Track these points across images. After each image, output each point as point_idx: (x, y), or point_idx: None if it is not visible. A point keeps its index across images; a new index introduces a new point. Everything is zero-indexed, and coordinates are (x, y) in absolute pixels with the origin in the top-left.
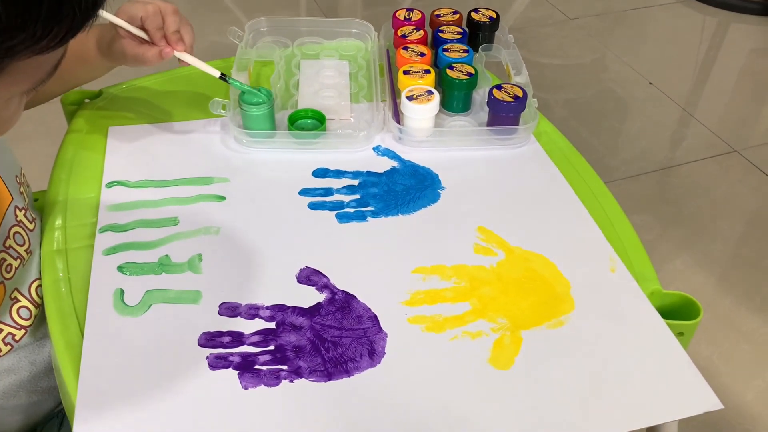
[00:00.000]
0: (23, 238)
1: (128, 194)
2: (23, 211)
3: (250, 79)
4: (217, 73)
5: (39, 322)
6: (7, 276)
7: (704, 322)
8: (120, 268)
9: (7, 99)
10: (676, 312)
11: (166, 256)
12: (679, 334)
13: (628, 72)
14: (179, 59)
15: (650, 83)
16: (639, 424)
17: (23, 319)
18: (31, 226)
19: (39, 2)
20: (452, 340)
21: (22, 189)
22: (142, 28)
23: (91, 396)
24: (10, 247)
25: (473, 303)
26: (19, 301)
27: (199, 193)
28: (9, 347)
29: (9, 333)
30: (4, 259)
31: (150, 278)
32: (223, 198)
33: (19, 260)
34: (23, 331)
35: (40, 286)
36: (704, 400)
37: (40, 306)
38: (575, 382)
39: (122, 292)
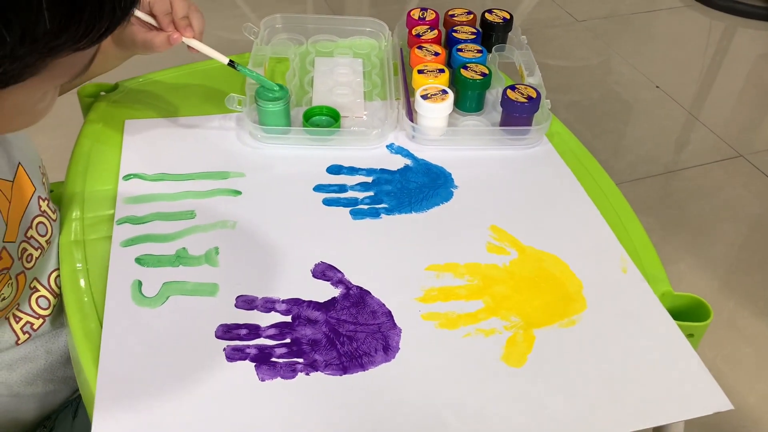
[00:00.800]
0: (46, 228)
1: (145, 187)
2: (46, 201)
3: (266, 76)
4: (225, 60)
5: (57, 311)
6: (28, 266)
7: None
8: (138, 260)
9: (45, 92)
10: (686, 313)
11: (184, 248)
12: (689, 336)
13: (634, 75)
14: (188, 45)
15: (656, 86)
16: (650, 423)
17: (42, 308)
18: (54, 216)
19: (82, 5)
20: (465, 337)
21: (44, 180)
22: (151, 14)
23: (110, 385)
24: (32, 237)
25: (486, 301)
26: (38, 290)
27: (216, 188)
28: (27, 336)
29: (27, 322)
30: (25, 249)
31: (167, 270)
32: (239, 192)
33: (39, 250)
34: (41, 320)
35: (59, 276)
36: (714, 401)
37: (59, 296)
38: (586, 380)
39: (140, 283)
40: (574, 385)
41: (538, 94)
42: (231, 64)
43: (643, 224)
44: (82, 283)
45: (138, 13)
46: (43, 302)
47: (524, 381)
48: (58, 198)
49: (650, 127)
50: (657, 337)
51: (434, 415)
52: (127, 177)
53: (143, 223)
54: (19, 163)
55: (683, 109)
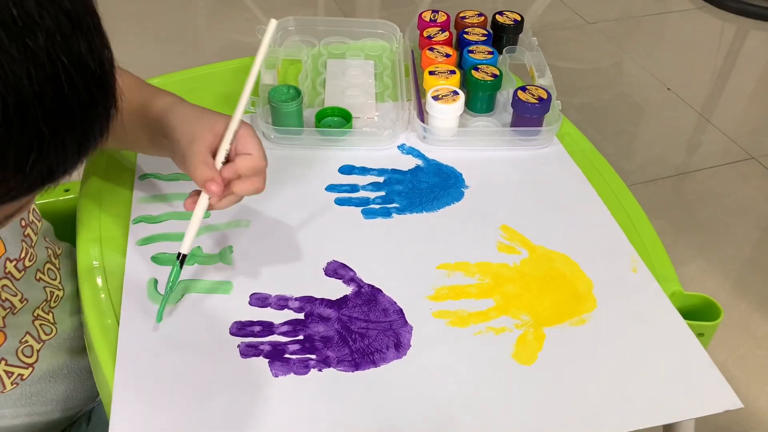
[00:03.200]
0: (10, 288)
1: (160, 187)
2: (14, 262)
3: (279, 77)
4: (184, 250)
5: (47, 352)
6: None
7: (719, 327)
8: (154, 259)
9: None
10: (697, 313)
11: (198, 247)
12: (699, 335)
13: (645, 77)
14: (192, 201)
15: (668, 89)
16: (659, 421)
17: (27, 357)
18: (18, 275)
19: None
20: (476, 335)
21: (28, 231)
22: (229, 158)
23: (127, 381)
24: (6, 299)
25: (497, 300)
26: (23, 344)
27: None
28: (14, 386)
29: (19, 374)
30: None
31: (183, 268)
32: None
33: (8, 311)
34: (30, 368)
35: (37, 319)
36: (724, 399)
37: (42, 341)
38: (597, 378)
39: (156, 281)
40: (585, 382)
41: (549, 95)
42: (181, 259)
43: (654, 226)
44: (99, 281)
45: (228, 136)
46: (27, 351)
47: (535, 378)
48: (75, 199)
49: (661, 129)
50: (667, 336)
51: (445, 411)
52: (143, 177)
53: (159, 222)
54: None
55: (694, 111)
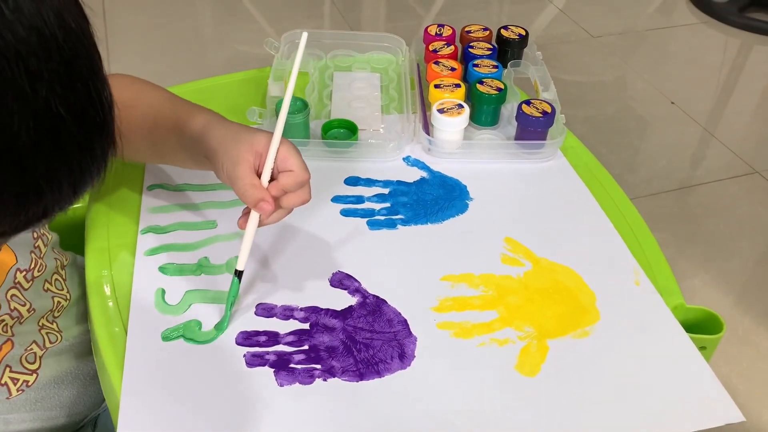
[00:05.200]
0: (19, 298)
1: (168, 197)
2: (23, 273)
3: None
4: (241, 268)
5: (52, 355)
6: (7, 334)
7: (722, 341)
8: (161, 269)
9: None
10: (699, 327)
11: (205, 257)
12: (701, 348)
13: (649, 90)
14: (245, 220)
15: (672, 102)
16: None
17: (30, 363)
18: (26, 285)
19: None
20: (480, 346)
21: (38, 243)
22: (272, 176)
23: (134, 389)
24: (15, 309)
25: (500, 311)
26: (29, 350)
27: (237, 198)
28: (20, 392)
29: (24, 381)
30: (4, 320)
31: (190, 279)
32: None
33: (15, 320)
34: (34, 375)
35: (42, 328)
36: (726, 412)
37: (45, 348)
38: (599, 390)
39: (163, 291)
40: (587, 395)
41: (553, 108)
42: (237, 274)
43: (657, 239)
44: (107, 289)
45: (270, 160)
46: (30, 357)
47: (538, 390)
48: (84, 208)
49: (665, 142)
50: (669, 349)
51: (448, 422)
52: (151, 187)
53: (166, 232)
54: None
55: (698, 125)
